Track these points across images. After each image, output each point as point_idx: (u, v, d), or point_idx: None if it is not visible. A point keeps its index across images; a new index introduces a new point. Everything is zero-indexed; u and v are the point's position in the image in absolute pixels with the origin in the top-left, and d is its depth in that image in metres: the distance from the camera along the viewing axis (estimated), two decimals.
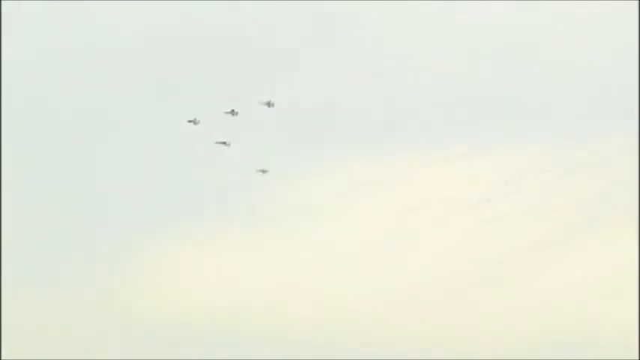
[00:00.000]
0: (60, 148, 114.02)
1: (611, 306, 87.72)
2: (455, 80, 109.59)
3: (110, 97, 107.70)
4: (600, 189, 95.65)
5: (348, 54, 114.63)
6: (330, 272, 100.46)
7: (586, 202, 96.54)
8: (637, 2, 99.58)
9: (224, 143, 68.97)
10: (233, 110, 65.98)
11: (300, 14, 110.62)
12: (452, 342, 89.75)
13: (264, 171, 74.94)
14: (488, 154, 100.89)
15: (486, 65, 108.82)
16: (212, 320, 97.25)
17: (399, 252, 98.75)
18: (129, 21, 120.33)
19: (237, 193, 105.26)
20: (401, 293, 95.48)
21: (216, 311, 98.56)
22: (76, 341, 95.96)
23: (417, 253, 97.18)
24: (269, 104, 68.58)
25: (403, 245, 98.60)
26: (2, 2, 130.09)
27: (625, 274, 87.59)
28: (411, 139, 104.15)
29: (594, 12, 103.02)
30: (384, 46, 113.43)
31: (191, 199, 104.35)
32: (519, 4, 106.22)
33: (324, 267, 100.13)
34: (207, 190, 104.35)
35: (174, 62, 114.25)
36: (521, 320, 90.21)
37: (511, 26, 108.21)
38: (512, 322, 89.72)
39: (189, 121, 67.41)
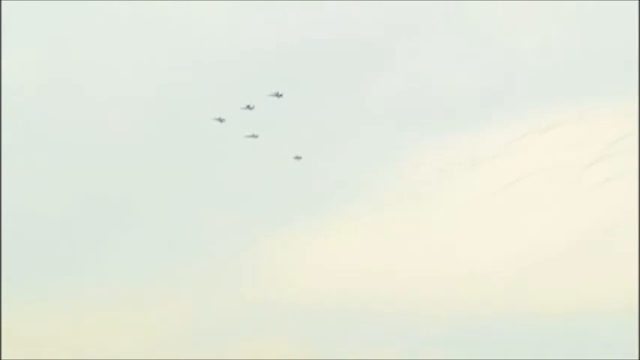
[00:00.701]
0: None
1: None
2: (554, 48, 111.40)
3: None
4: None
5: (447, 31, 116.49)
6: (454, 245, 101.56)
7: None
8: (637, 2, 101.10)
9: (253, 136, 69.52)
10: (249, 105, 66.41)
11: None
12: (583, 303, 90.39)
13: (298, 157, 75.46)
14: (591, 118, 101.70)
15: (583, 32, 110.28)
16: (343, 299, 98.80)
17: (518, 220, 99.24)
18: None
19: (353, 178, 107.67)
20: (526, 259, 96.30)
21: (348, 291, 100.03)
22: (216, 326, 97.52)
23: (535, 218, 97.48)
24: (277, 95, 69.00)
25: (520, 213, 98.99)
26: (2, 2, 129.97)
27: None
28: (517, 110, 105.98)
29: None
30: (482, 17, 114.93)
31: (311, 186, 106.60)
32: None
33: (447, 241, 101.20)
34: (325, 178, 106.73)
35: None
36: None
37: None
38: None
39: (217, 119, 67.71)
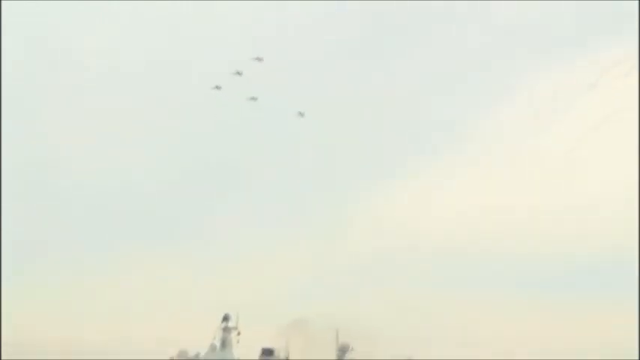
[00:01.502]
0: None
1: None
2: None
3: None
4: None
5: None
6: (567, 178, 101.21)
7: None
8: (637, 2, 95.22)
9: (253, 98, 70.58)
10: (238, 71, 67.09)
11: None
12: None
13: (301, 114, 76.17)
14: None
15: None
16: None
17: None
18: None
19: (457, 121, 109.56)
20: None
21: (469, 232, 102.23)
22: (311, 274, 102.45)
23: None
24: (258, 59, 69.29)
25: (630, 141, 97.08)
26: (2, 2, 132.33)
27: None
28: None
29: None
30: None
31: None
32: None
33: (559, 175, 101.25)
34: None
35: None
36: None
37: None
38: None
39: (215, 87, 68.97)
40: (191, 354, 72.94)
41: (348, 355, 70.55)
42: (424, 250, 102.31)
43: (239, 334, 73.15)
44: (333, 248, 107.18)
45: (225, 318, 73.76)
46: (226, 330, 73.62)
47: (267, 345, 72.71)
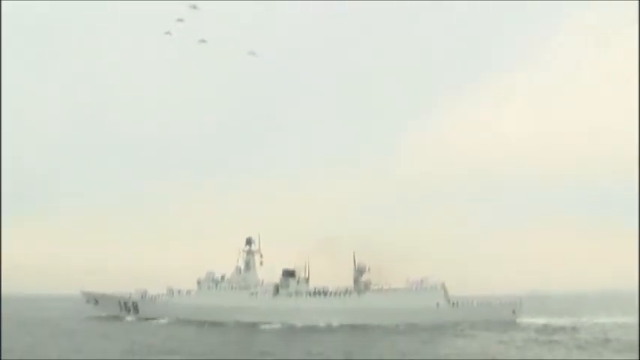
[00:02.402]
0: None
1: None
2: None
3: None
4: None
5: None
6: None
7: None
8: (637, 2, 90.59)
9: (203, 41, 71.72)
10: (179, 18, 67.66)
11: None
12: None
13: (252, 53, 77.34)
14: None
15: None
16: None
17: None
18: None
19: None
20: None
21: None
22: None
23: None
24: (194, 6, 69.13)
25: None
26: (2, 2, 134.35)
27: None
28: None
29: None
30: None
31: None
32: None
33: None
34: None
35: None
36: None
37: None
38: None
39: (166, 33, 70.05)
40: (217, 276, 76.58)
41: (365, 276, 72.57)
42: (457, 175, 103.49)
43: (261, 256, 76.25)
44: (375, 175, 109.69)
45: (249, 241, 76.68)
46: (249, 253, 76.75)
47: (289, 266, 75.20)
